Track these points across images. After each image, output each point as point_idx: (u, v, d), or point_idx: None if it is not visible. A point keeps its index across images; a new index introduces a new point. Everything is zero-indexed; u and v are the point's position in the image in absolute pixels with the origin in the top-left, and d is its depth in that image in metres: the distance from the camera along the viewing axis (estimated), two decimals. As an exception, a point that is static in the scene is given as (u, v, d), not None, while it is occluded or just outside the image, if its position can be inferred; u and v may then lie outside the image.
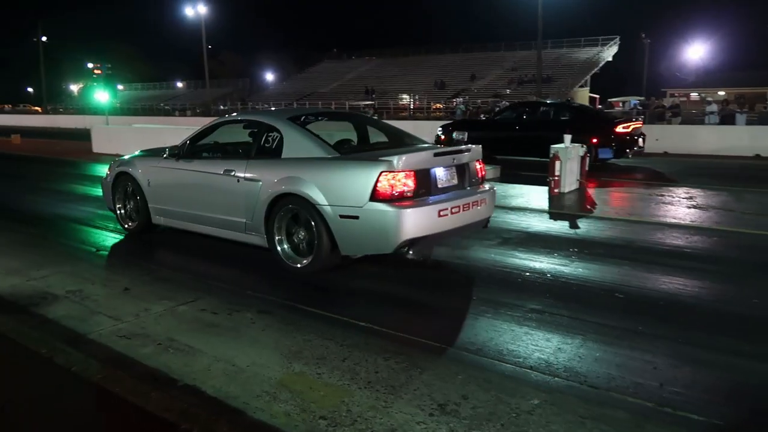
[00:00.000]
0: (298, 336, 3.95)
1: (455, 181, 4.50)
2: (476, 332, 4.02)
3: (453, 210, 4.23)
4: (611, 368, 3.50)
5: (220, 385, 3.30)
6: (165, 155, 5.81)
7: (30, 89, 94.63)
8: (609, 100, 41.19)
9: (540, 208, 8.60)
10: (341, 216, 4.16)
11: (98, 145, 18.14)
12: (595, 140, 10.92)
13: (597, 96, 47.47)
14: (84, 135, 22.48)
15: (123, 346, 3.80)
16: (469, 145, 4.80)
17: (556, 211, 8.41)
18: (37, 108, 75.47)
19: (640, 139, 11.76)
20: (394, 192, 4.00)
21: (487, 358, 3.65)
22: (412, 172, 4.05)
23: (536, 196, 9.67)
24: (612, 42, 52.01)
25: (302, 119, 5.20)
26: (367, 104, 46.57)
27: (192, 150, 5.67)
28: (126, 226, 6.45)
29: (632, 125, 11.82)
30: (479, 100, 43.28)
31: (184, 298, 4.67)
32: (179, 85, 79.45)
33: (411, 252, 4.17)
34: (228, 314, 4.35)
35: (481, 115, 19.26)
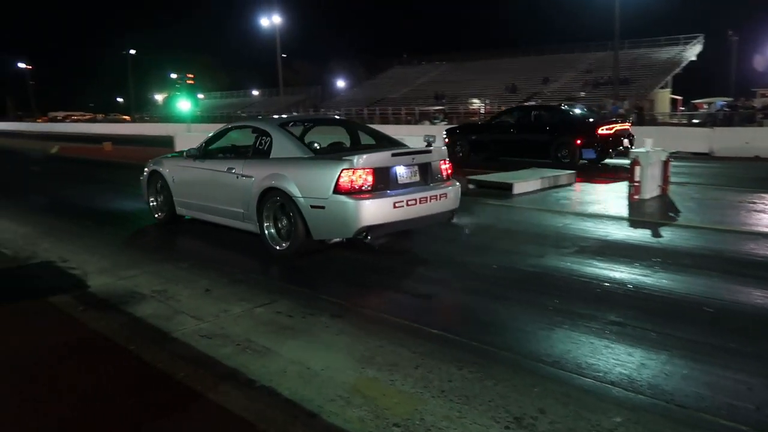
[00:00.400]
0: (371, 341, 3.97)
1: (416, 178, 5.10)
2: (552, 344, 3.90)
3: (409, 203, 4.83)
4: (700, 387, 3.28)
5: (295, 387, 3.36)
6: (185, 156, 6.77)
7: (120, 99, 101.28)
8: (692, 101, 38.91)
9: (619, 215, 8.24)
10: (311, 206, 4.89)
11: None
12: (578, 141, 11.79)
13: (680, 98, 44.99)
14: (168, 142, 23.77)
15: (204, 345, 3.96)
16: (431, 147, 5.33)
17: (636, 218, 8.03)
18: (125, 117, 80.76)
19: (625, 140, 12.40)
20: (353, 186, 4.66)
21: (564, 371, 3.52)
22: (371, 170, 4.72)
23: (615, 202, 9.28)
24: (695, 41, 49.14)
25: (290, 125, 5.99)
26: (437, 109, 46.47)
27: (206, 151, 6.61)
28: (156, 215, 7.47)
29: (615, 127, 12.51)
30: (554, 103, 42.03)
31: (260, 300, 4.81)
32: (255, 93, 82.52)
33: (369, 237, 4.86)
34: (302, 317, 4.44)
35: (478, 120, 20.11)
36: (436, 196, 5.19)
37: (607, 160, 13.22)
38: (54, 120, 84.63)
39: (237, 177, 5.83)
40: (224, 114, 64.39)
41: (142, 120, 70.04)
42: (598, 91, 45.40)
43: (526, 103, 19.88)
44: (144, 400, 3.19)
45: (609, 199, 9.68)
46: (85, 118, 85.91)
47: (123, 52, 62.11)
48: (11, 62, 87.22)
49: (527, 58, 58.17)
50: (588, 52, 55.19)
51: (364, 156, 4.85)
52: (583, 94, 45.99)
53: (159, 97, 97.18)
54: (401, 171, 5.02)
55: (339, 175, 4.73)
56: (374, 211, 4.75)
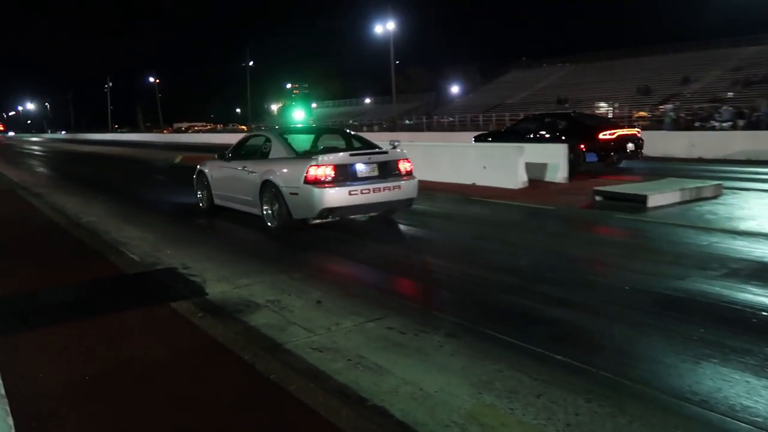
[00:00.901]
0: (488, 365, 3.88)
1: (375, 173, 6.86)
2: (699, 379, 3.58)
3: (363, 191, 6.67)
4: None
5: (408, 409, 3.36)
6: (218, 157, 9.21)
7: (238, 110, 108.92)
8: None
9: (783, 233, 7.41)
10: (290, 193, 6.87)
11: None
12: (582, 146, 13.29)
13: None
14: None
15: (316, 358, 4.09)
16: (387, 150, 7.13)
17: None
18: (243, 126, 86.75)
19: (630, 145, 13.75)
20: (318, 178, 6.48)
21: (714, 412, 3.22)
22: (333, 166, 6.53)
23: (778, 218, 8.37)
24: None
25: (287, 134, 8.19)
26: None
27: (233, 154, 8.93)
28: (200, 205, 10.11)
29: (618, 133, 13.89)
30: (695, 106, 39.03)
31: (372, 315, 4.89)
32: (367, 101, 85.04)
33: (330, 217, 6.76)
34: (415, 334, 4.45)
35: (502, 128, 22.86)
36: (390, 187, 7.01)
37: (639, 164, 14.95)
38: (178, 131, 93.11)
39: (248, 173, 8.09)
40: (336, 123, 66.97)
41: (258, 130, 74.73)
42: (750, 90, 41.41)
43: (571, 111, 21.44)
44: (256, 410, 3.35)
45: (765, 214, 8.76)
46: (205, 128, 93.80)
47: (243, 64, 66.79)
48: (142, 77, 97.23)
49: (664, 57, 54.50)
50: (738, 47, 50.63)
51: (328, 156, 6.81)
52: (731, 94, 42.18)
53: (274, 107, 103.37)
54: (360, 167, 6.91)
55: (307, 170, 6.75)
56: (333, 196, 6.67)
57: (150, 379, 3.81)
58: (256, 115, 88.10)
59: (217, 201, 9.58)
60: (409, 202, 7.73)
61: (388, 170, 7.38)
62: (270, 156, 7.96)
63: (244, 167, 8.42)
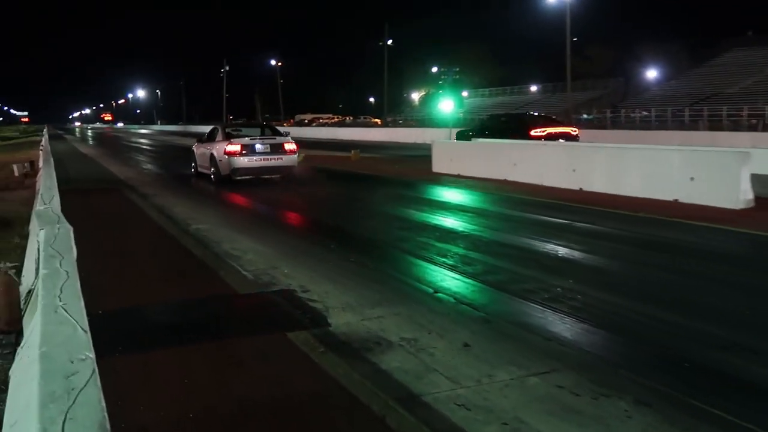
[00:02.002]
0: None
1: (267, 150, 15.85)
2: None
3: (255, 160, 15.86)
4: None
5: (582, 498, 3.21)
6: (197, 141, 19.41)
7: (371, 99, 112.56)
8: None
9: None
10: (219, 160, 16.20)
11: (439, 164, 20.34)
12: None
13: None
14: (424, 152, 25.46)
15: (461, 418, 4.05)
16: (277, 137, 16.81)
17: None
18: (376, 120, 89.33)
19: (562, 140, 19.12)
20: (230, 152, 15.61)
21: None
22: (240, 144, 15.64)
23: None
24: None
25: (228, 127, 18.61)
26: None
27: (202, 139, 18.73)
28: (192, 170, 19.67)
29: (548, 130, 20.16)
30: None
31: (535, 367, 4.77)
32: (533, 89, 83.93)
33: (237, 177, 16.08)
34: (593, 398, 4.27)
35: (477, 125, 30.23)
36: (275, 158, 15.94)
37: None
38: (300, 123, 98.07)
39: (206, 150, 17.68)
40: (493, 116, 66.47)
41: (395, 123, 76.67)
42: None
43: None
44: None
45: None
46: (332, 121, 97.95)
47: (380, 42, 68.86)
48: (261, 61, 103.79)
49: None
50: None
51: (238, 139, 16.17)
52: None
53: (416, 96, 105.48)
54: (258, 146, 15.68)
55: (225, 147, 15.63)
56: (238, 162, 15.46)
57: (261, 427, 3.98)
58: (393, 105, 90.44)
59: (198, 169, 19.28)
60: (288, 169, 16.81)
61: (276, 148, 16.32)
62: (216, 139, 17.32)
63: (209, 147, 17.85)
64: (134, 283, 7.35)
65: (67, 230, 4.30)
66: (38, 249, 4.43)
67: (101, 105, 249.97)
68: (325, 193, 16.97)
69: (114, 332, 5.56)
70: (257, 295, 6.82)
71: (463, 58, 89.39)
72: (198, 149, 19.52)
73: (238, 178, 16.94)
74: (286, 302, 6.51)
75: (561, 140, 19.25)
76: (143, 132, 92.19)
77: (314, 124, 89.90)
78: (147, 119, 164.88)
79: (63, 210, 6.14)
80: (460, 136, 25.10)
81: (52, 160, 15.48)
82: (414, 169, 21.28)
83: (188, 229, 10.85)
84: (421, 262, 8.35)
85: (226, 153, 16.74)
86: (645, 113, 54.12)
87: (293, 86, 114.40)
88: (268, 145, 17.02)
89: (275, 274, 7.66)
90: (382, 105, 76.94)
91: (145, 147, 46.67)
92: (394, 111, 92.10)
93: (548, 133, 20.37)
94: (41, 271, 3.32)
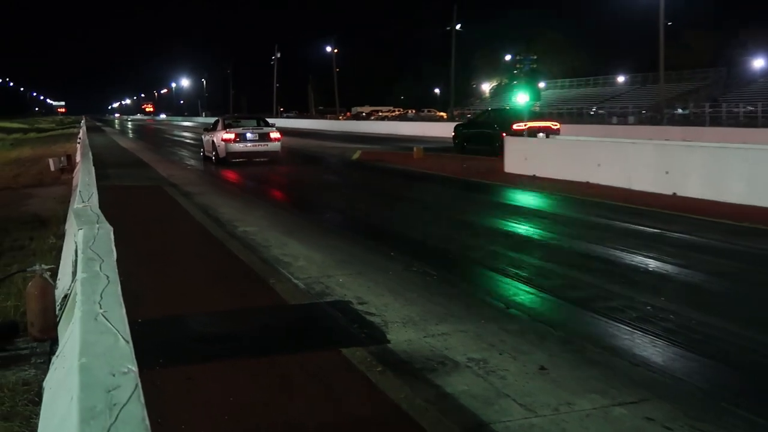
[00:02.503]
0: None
1: (256, 138, 23.56)
2: None
3: (246, 146, 23.41)
4: None
5: None
6: (204, 130, 27.99)
7: (436, 90, 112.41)
8: None
9: None
10: (217, 145, 23.65)
11: (512, 164, 20.17)
12: (504, 134, 22.63)
13: None
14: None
15: (537, 451, 3.98)
16: (263, 128, 24.76)
17: None
18: (441, 114, 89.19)
19: (542, 134, 21.88)
20: (226, 139, 23.03)
21: None
22: (234, 133, 23.23)
23: None
24: None
25: (228, 119, 27.17)
26: None
27: (207, 129, 26.57)
28: (201, 154, 27.53)
29: (529, 125, 23.82)
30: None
31: (620, 396, 4.68)
32: (620, 79, 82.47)
33: (232, 159, 23.35)
34: (690, 435, 4.16)
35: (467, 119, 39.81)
36: (261, 145, 23.64)
37: None
38: (358, 117, 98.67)
39: (209, 137, 25.24)
40: (572, 110, 65.72)
41: (462, 118, 76.47)
42: None
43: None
44: None
45: None
46: (392, 114, 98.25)
47: (447, 28, 68.72)
48: (315, 49, 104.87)
49: None
50: None
51: (233, 129, 23.94)
52: None
53: (486, 87, 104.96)
54: (249, 135, 23.30)
55: (223, 135, 23.07)
56: (232, 147, 22.90)
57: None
58: (460, 97, 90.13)
59: (204, 153, 25.85)
60: (273, 153, 23.48)
61: (263, 137, 23.18)
62: (216, 129, 23.91)
63: (210, 135, 24.76)
64: (176, 289, 7.50)
65: (107, 231, 4.40)
66: (76, 250, 4.54)
67: (142, 95, 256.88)
68: (384, 194, 17.04)
69: (155, 343, 5.67)
70: (309, 306, 6.87)
71: (540, 45, 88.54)
72: (204, 137, 26.70)
73: (233, 160, 23.83)
74: (340, 315, 6.54)
75: (541, 134, 22.29)
76: (187, 125, 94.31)
77: (373, 118, 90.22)
78: (191, 111, 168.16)
79: (101, 208, 6.31)
80: (457, 131, 30.95)
81: (90, 154, 15.94)
82: (484, 169, 21.16)
83: (235, 232, 11.03)
84: (492, 274, 8.30)
85: (223, 140, 23.73)
86: (750, 108, 52.50)
87: (350, 76, 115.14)
88: (257, 134, 24.30)
89: (329, 283, 7.71)
90: (448, 97, 76.70)
91: (188, 141, 47.67)
92: (462, 103, 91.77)
93: (529, 127, 23.77)
94: (80, 275, 3.40)
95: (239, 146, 23.79)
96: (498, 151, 22.69)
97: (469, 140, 29.17)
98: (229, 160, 23.64)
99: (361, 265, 8.60)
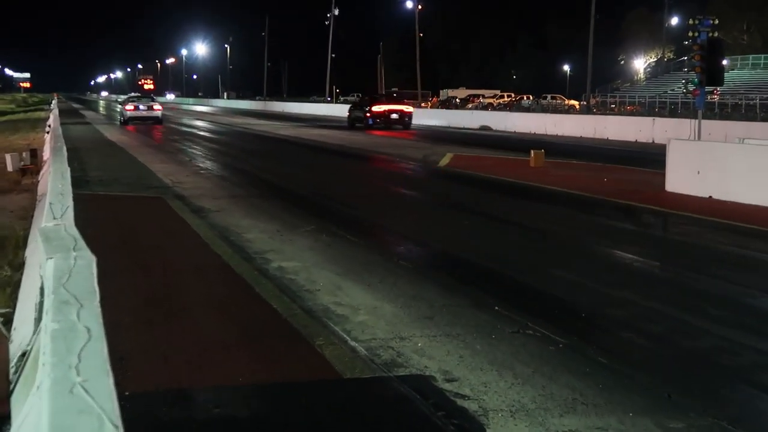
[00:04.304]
0: None
1: (146, 108, 66.65)
2: None
3: (137, 111, 65.71)
4: None
5: None
6: (121, 102, 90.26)
7: (566, 67, 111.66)
8: None
9: None
10: (121, 113, 70.93)
11: (677, 178, 19.80)
12: (367, 114, 57.38)
13: None
14: (655, 155, 24.93)
15: None
16: (152, 102, 71.56)
17: None
18: (572, 102, 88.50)
19: (395, 115, 56.78)
20: (127, 108, 66.99)
21: None
22: (133, 104, 67.76)
23: None
24: None
25: (131, 97, 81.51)
26: None
27: (125, 101, 76.58)
28: (120, 120, 70.96)
29: (386, 107, 58.15)
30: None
31: None
32: None
33: (129, 122, 65.00)
34: None
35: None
36: (148, 111, 65.98)
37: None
38: (448, 103, 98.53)
39: (123, 108, 71.50)
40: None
41: (603, 107, 75.45)
42: None
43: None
44: None
45: None
46: (500, 101, 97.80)
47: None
48: (390, 2, 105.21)
49: None
50: None
51: (132, 101, 71.22)
52: None
53: (638, 64, 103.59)
54: (141, 106, 66.17)
55: (125, 105, 68.99)
56: (130, 112, 64.60)
57: None
58: (603, 78, 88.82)
59: (120, 118, 68.90)
60: (156, 118, 63.97)
61: (150, 108, 65.62)
62: (125, 104, 70.56)
63: (121, 107, 74.73)
64: (181, 350, 7.55)
65: (89, 262, 4.43)
66: (42, 288, 4.60)
67: (139, 66, 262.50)
68: (486, 218, 16.94)
69: (148, 427, 5.71)
70: (372, 381, 6.85)
71: (724, 4, 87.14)
72: (119, 108, 71.94)
73: (131, 123, 58.76)
74: (419, 397, 6.49)
75: (394, 116, 47.31)
76: (202, 110, 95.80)
77: (470, 105, 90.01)
78: (208, 91, 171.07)
79: (79, 228, 6.38)
80: (351, 111, 61.48)
81: (64, 149, 16.19)
82: (633, 186, 20.86)
83: (267, 268, 11.12)
84: (648, 344, 8.21)
85: (126, 109, 62.02)
86: None
87: (440, 46, 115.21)
88: (147, 106, 62.54)
89: (403, 348, 7.68)
90: (583, 78, 76.04)
91: (202, 133, 48.60)
92: (602, 87, 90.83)
93: (385, 110, 48.66)
94: (48, 325, 3.42)
95: (135, 112, 61.33)
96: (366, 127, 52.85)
97: (353, 120, 59.40)
98: (128, 121, 60.25)
99: (450, 324, 8.55)
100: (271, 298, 9.42)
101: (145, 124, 60.47)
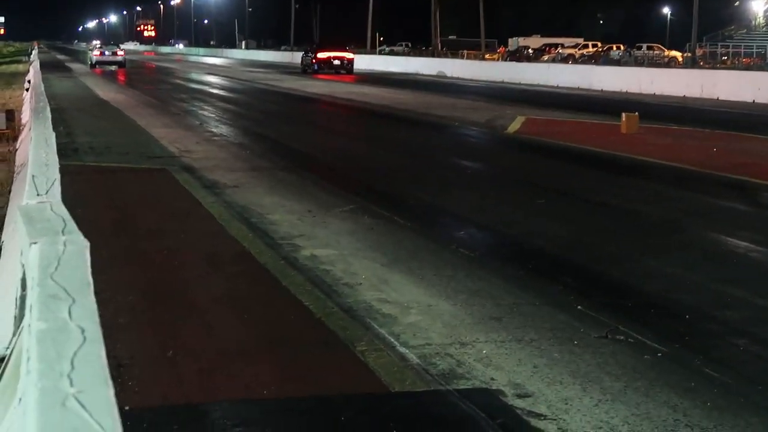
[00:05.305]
0: None
1: (111, 53, 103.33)
2: None
3: (106, 57, 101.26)
4: None
5: None
6: (92, 48, 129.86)
7: (665, 10, 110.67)
8: None
9: None
10: (91, 57, 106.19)
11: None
12: (314, 60, 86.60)
13: None
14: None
15: None
16: (117, 48, 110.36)
17: None
18: (673, 53, 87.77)
19: (337, 62, 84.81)
20: (94, 54, 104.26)
21: None
22: (99, 50, 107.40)
23: None
24: None
25: (99, 45, 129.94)
26: None
27: (92, 48, 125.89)
28: (89, 65, 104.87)
29: (330, 55, 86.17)
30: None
31: None
32: None
33: (96, 66, 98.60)
34: None
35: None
36: (113, 57, 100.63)
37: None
38: (518, 55, 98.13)
39: (90, 53, 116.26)
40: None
41: (712, 60, 74.89)
42: None
43: None
44: None
45: None
46: (583, 52, 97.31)
47: None
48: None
49: None
50: None
51: (97, 47, 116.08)
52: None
53: (757, 6, 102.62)
54: (106, 52, 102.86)
55: (92, 51, 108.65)
56: (97, 57, 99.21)
57: None
58: (710, 24, 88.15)
59: (89, 63, 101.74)
60: (120, 63, 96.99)
61: (114, 54, 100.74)
62: (92, 50, 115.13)
63: (90, 53, 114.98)
64: (191, 357, 7.61)
65: (81, 248, 4.47)
66: (23, 280, 4.64)
67: (137, 8, 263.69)
68: (564, 195, 16.85)
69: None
70: (428, 396, 6.87)
71: None
72: (89, 54, 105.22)
73: (99, 66, 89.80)
74: (483, 416, 6.52)
75: (336, 62, 79.39)
76: (215, 63, 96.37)
77: (546, 58, 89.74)
78: (223, 39, 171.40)
79: (67, 206, 6.42)
80: (303, 58, 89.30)
81: (48, 110, 16.25)
82: (750, 158, 20.80)
83: (297, 257, 11.17)
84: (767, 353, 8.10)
85: (94, 55, 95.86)
86: None
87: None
88: (112, 51, 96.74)
89: (463, 356, 7.70)
90: (686, 23, 75.46)
91: (215, 91, 48.76)
92: (713, 35, 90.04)
93: (328, 57, 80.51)
94: (32, 324, 3.44)
95: (100, 57, 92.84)
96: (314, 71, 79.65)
97: (305, 66, 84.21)
98: (95, 65, 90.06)
99: (521, 327, 8.56)
100: (301, 294, 9.46)
101: (110, 68, 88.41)
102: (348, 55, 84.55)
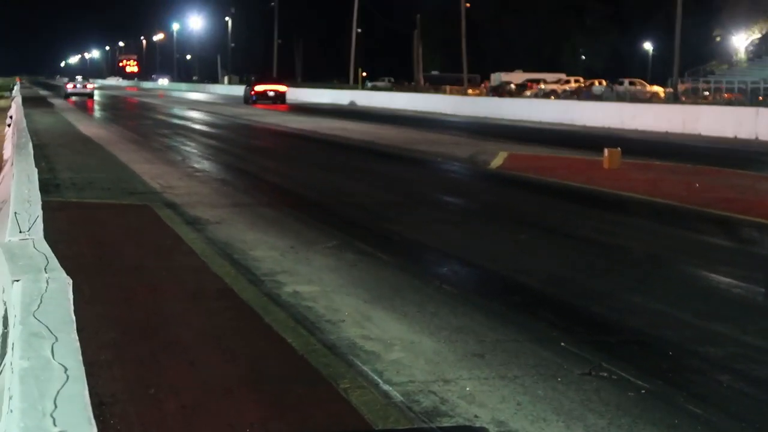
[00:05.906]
0: None
1: (82, 85, 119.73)
2: None
3: (75, 89, 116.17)
4: None
5: None
6: (65, 83, 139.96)
7: (647, 46, 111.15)
8: None
9: None
10: (65, 89, 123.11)
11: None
12: (252, 93, 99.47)
13: None
14: (763, 154, 24.81)
15: None
16: (87, 83, 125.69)
17: None
18: (655, 88, 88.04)
19: (271, 93, 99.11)
20: (68, 88, 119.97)
21: None
22: (72, 83, 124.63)
23: None
24: None
25: (72, 79, 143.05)
26: None
27: (66, 81, 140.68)
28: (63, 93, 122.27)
29: (266, 88, 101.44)
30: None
31: None
32: None
33: (70, 98, 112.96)
34: None
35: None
36: (84, 87, 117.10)
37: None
38: (500, 90, 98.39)
39: (64, 86, 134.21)
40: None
41: (694, 95, 75.22)
42: None
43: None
44: None
45: None
46: (565, 87, 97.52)
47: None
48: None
49: None
50: None
51: (70, 81, 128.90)
52: None
53: (740, 41, 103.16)
54: (78, 84, 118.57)
55: (65, 84, 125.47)
56: (69, 89, 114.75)
57: None
58: (693, 57, 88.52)
59: (63, 92, 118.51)
60: (90, 94, 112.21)
61: (84, 86, 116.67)
62: (65, 83, 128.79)
63: (64, 85, 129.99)
64: (176, 393, 7.58)
65: (64, 286, 4.47)
66: (5, 317, 4.62)
67: (120, 44, 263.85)
68: (548, 232, 16.90)
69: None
70: (410, 434, 6.85)
71: None
72: (63, 85, 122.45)
73: (71, 97, 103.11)
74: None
75: (270, 93, 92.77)
76: (196, 98, 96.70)
77: (528, 92, 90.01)
78: (205, 74, 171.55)
79: (49, 243, 6.41)
80: (245, 90, 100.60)
81: (30, 146, 16.26)
82: (733, 194, 20.84)
83: (279, 293, 11.15)
84: (751, 390, 8.20)
85: (65, 86, 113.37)
86: None
87: (489, 20, 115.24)
88: (82, 84, 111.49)
89: (447, 394, 7.69)
90: (670, 59, 75.82)
91: (197, 127, 48.85)
92: (694, 71, 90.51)
93: (264, 90, 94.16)
94: (15, 363, 3.44)
95: (74, 90, 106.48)
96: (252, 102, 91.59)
97: (246, 97, 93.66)
98: (68, 95, 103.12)
99: (505, 363, 8.56)
100: (284, 331, 9.44)
101: (82, 98, 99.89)
102: (281, 87, 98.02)
